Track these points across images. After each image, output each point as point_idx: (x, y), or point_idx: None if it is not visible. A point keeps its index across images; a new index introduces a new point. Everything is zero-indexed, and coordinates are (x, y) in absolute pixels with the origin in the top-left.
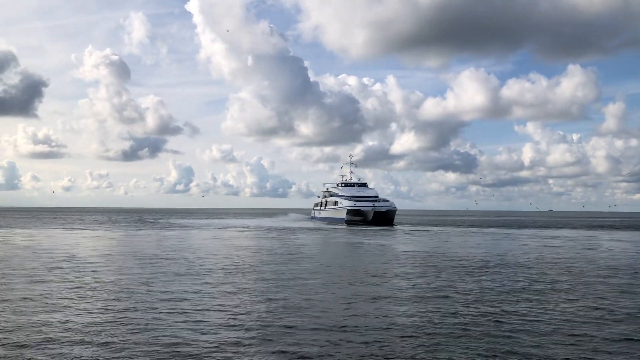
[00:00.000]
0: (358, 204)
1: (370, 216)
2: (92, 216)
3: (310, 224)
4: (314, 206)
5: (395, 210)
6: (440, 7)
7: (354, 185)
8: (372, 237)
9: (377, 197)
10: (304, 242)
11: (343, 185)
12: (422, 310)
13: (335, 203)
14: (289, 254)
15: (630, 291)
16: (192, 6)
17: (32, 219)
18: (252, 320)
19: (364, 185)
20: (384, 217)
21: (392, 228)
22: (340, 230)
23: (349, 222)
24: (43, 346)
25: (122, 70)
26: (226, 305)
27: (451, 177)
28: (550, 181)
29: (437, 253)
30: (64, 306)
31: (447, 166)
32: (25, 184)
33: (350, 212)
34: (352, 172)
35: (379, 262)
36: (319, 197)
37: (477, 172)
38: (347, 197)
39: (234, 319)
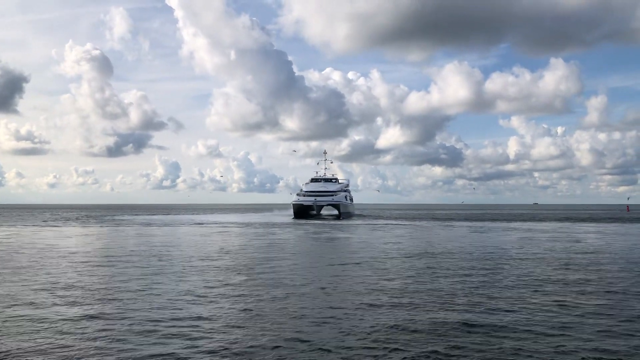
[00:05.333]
0: (302, 198)
1: (313, 210)
2: (62, 213)
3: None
4: None
5: (339, 204)
6: (421, 0)
7: (320, 181)
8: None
9: (333, 192)
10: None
11: (311, 181)
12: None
13: None
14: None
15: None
16: (173, 1)
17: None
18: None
19: (330, 180)
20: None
21: (338, 221)
22: (284, 225)
23: (295, 216)
24: None
25: (104, 65)
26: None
27: (437, 171)
28: (536, 174)
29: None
30: None
31: (433, 160)
32: (9, 181)
33: (295, 206)
34: (326, 169)
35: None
36: None
37: (464, 167)
38: (300, 192)
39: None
